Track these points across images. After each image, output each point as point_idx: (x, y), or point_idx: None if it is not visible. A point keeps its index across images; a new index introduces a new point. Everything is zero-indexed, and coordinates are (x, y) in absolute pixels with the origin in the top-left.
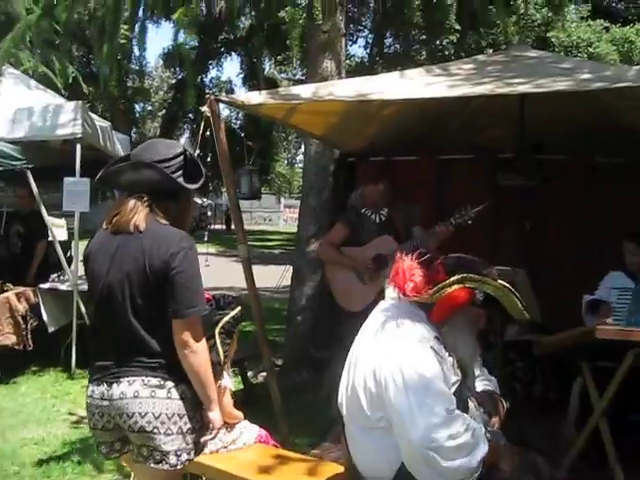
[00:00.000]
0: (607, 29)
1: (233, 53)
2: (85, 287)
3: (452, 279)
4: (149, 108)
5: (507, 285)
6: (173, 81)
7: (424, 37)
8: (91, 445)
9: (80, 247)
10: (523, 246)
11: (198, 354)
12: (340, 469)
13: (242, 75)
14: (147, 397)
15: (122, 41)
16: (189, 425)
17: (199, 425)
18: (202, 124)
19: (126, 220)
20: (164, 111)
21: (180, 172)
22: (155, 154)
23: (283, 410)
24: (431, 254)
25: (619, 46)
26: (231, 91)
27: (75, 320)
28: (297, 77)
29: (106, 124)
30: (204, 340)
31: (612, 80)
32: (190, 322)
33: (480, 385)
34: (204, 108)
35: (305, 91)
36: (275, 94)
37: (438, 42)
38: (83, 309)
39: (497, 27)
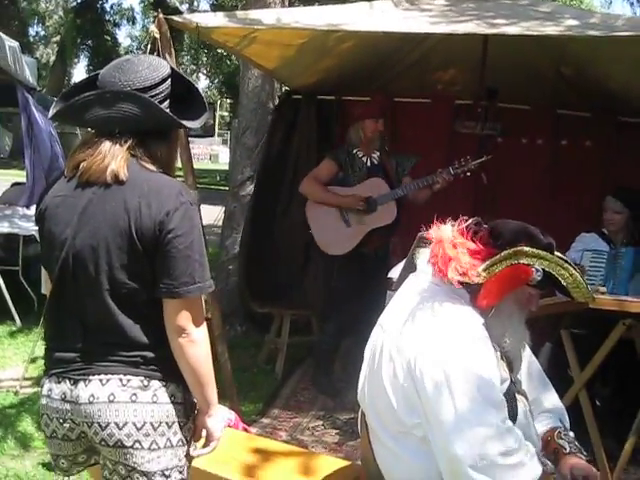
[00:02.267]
0: None
1: None
2: None
3: (504, 254)
4: (42, 33)
5: (567, 260)
6: (70, 5)
7: None
8: (10, 415)
9: None
10: (480, 200)
11: (198, 344)
12: (338, 464)
13: (144, 3)
14: (126, 402)
15: None
16: (179, 435)
17: (191, 434)
18: (149, 46)
19: (100, 167)
20: (59, 37)
21: (167, 102)
22: (136, 79)
23: (232, 375)
24: (474, 220)
25: None
26: (133, 19)
27: None
28: (201, 9)
29: (15, 43)
30: (205, 325)
31: (606, 29)
32: (190, 302)
33: (542, 419)
34: (152, 28)
35: (268, 17)
36: (234, 17)
37: None
38: None
39: None
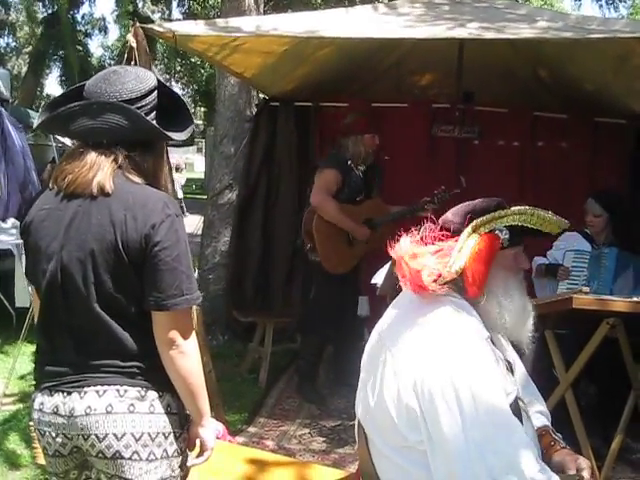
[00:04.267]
0: None
1: None
2: None
3: (463, 236)
4: (13, 44)
5: (523, 206)
6: (41, 15)
7: None
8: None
9: None
10: (459, 202)
11: (188, 356)
12: (331, 474)
13: (116, 13)
14: (124, 412)
15: None
16: (175, 446)
17: (185, 445)
18: (125, 56)
19: (85, 179)
20: (30, 47)
21: (154, 113)
22: (122, 90)
23: (218, 385)
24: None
25: None
26: (105, 29)
27: None
28: (174, 17)
29: None
30: (194, 337)
31: (581, 31)
32: (178, 315)
33: (534, 417)
34: (129, 37)
35: (247, 25)
36: (213, 25)
37: None
38: None
39: None
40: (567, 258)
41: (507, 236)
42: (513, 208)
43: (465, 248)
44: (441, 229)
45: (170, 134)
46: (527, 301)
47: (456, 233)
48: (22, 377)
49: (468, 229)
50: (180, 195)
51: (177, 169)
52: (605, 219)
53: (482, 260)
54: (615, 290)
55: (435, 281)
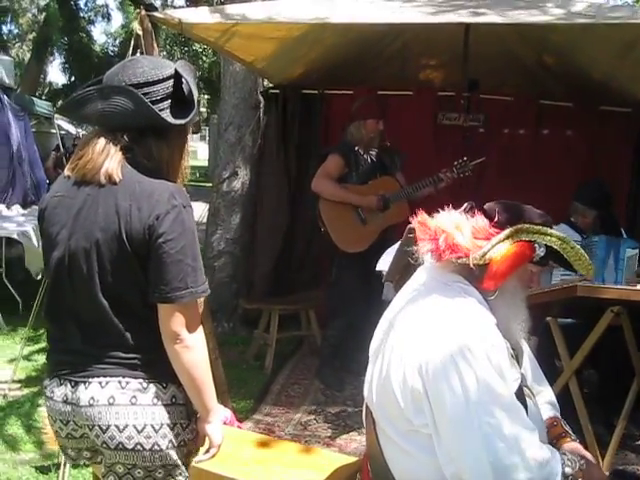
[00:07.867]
0: None
1: None
2: None
3: (506, 232)
4: (16, 31)
5: (566, 236)
6: (43, 2)
7: None
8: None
9: None
10: (463, 192)
11: (194, 350)
12: (337, 459)
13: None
14: (126, 404)
15: None
16: (182, 437)
17: (194, 435)
18: (132, 43)
19: (95, 166)
20: (34, 34)
21: (167, 102)
22: (134, 75)
23: (224, 371)
24: (469, 204)
25: None
26: (108, 16)
27: None
28: (176, 4)
29: None
30: (201, 331)
31: (590, 17)
32: (183, 308)
33: (544, 408)
34: (134, 24)
35: (251, 11)
36: (218, 12)
37: None
38: None
39: None
40: None
41: (542, 253)
42: (559, 233)
43: (503, 244)
44: (486, 214)
45: (169, 119)
46: (526, 313)
47: (499, 226)
48: (29, 363)
49: (512, 229)
50: None
51: None
52: (593, 217)
53: (512, 262)
54: (607, 278)
55: (458, 258)
